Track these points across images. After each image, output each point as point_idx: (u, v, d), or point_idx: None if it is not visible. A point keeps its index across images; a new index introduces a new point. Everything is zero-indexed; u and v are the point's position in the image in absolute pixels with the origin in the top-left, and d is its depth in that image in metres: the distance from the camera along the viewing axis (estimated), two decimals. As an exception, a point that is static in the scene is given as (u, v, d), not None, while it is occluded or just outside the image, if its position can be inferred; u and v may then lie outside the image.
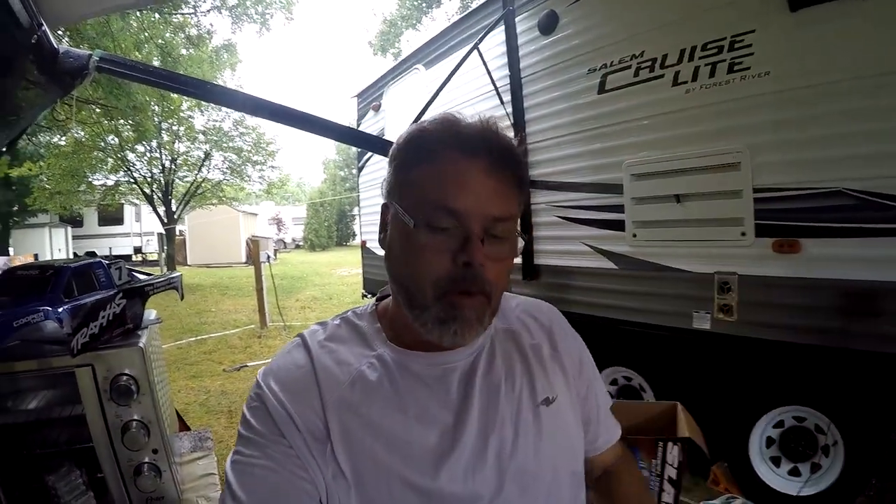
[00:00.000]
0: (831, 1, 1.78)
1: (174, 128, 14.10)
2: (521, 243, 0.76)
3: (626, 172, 2.62)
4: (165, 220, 15.15)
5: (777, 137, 2.02)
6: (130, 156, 13.78)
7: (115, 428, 1.50)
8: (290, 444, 0.69)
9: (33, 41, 1.79)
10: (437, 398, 0.74)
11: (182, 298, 2.13)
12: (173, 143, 14.54)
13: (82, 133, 11.86)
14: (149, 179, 14.68)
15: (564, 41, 2.85)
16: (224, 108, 13.53)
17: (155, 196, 15.00)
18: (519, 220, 0.75)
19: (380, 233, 0.79)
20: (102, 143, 12.47)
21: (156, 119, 12.75)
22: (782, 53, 1.94)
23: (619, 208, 2.70)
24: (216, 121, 14.94)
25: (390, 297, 0.82)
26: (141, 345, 1.54)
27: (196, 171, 15.40)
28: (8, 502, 1.45)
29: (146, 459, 1.54)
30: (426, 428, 0.72)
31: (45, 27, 1.85)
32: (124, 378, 1.49)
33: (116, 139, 12.39)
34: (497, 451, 0.73)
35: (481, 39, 3.09)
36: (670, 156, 2.41)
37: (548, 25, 2.89)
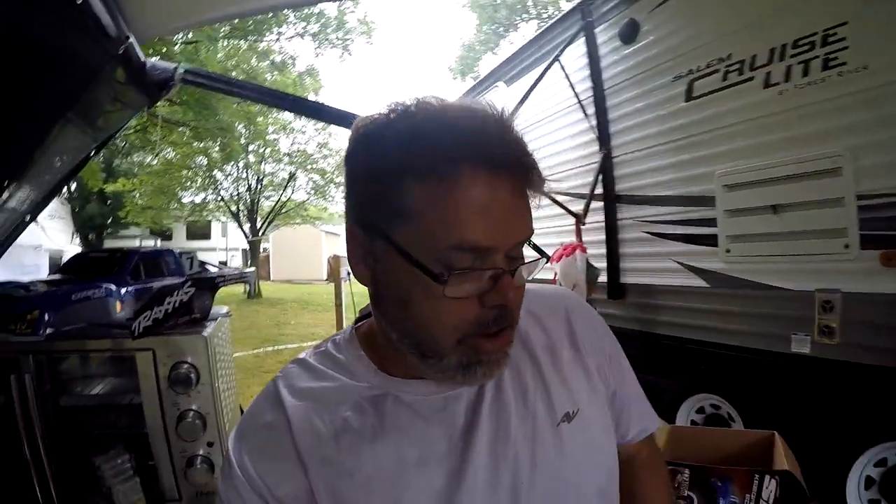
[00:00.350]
0: None
1: (260, 150, 15.46)
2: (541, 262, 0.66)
3: (718, 183, 2.57)
4: (250, 237, 16.55)
5: (880, 137, 1.92)
6: (218, 175, 15.28)
7: (170, 416, 1.59)
8: None
9: (121, 52, 2.15)
10: (438, 433, 0.66)
11: (253, 293, 2.30)
12: (259, 163, 16.03)
13: (173, 153, 13.33)
14: (235, 198, 16.25)
15: (647, 49, 2.87)
16: (307, 132, 14.62)
17: (241, 214, 16.54)
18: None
19: (354, 263, 0.65)
20: (192, 164, 13.94)
21: (242, 140, 14.05)
22: (880, 44, 1.86)
23: (710, 222, 2.64)
24: (300, 143, 16.38)
25: (372, 317, 0.71)
26: (206, 334, 1.65)
27: (281, 191, 16.83)
28: (55, 479, 1.54)
29: (200, 452, 1.61)
30: (429, 471, 0.64)
31: (132, 39, 2.21)
32: (185, 366, 1.58)
33: (205, 160, 13.77)
34: (511, 485, 0.66)
35: (561, 52, 3.20)
36: (765, 163, 2.34)
37: (629, 34, 2.93)
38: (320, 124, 15.18)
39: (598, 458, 0.73)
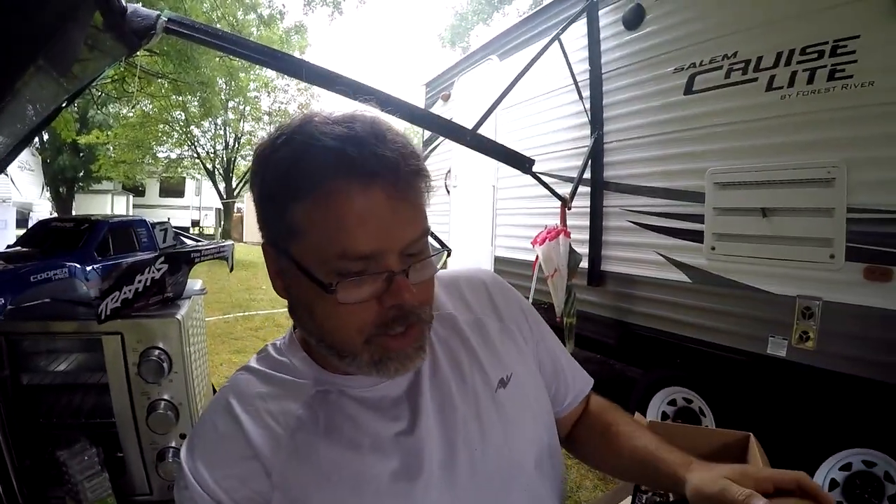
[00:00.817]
0: None
1: (240, 107, 14.89)
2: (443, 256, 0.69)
3: (710, 180, 2.57)
4: (224, 196, 16.10)
5: (878, 154, 1.93)
6: (196, 131, 14.71)
7: (140, 406, 1.48)
8: None
9: None
10: (386, 420, 0.68)
11: (232, 269, 2.17)
12: (238, 121, 15.44)
13: (150, 106, 12.70)
14: (211, 155, 15.66)
15: (650, 37, 2.81)
16: (290, 91, 14.05)
17: (216, 172, 16.02)
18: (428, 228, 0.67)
19: (272, 278, 0.70)
20: (169, 118, 13.32)
21: (222, 97, 13.46)
22: (889, 62, 1.84)
23: (698, 218, 2.65)
24: (282, 102, 15.71)
25: None
26: (179, 317, 1.52)
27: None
28: (17, 474, 1.43)
29: (172, 444, 1.51)
30: (385, 456, 0.66)
31: None
32: (156, 353, 1.46)
33: (183, 114, 13.21)
34: (469, 457, 0.69)
35: (563, 30, 3.10)
36: (760, 165, 2.34)
37: (633, 20, 2.86)
38: (303, 84, 14.72)
39: (539, 413, 0.78)
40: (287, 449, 0.65)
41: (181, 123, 13.77)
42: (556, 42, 3.18)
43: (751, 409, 2.37)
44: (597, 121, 3.22)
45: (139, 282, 1.48)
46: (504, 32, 4.09)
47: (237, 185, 16.77)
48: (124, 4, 2.41)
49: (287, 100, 15.99)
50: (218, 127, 15.42)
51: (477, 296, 0.84)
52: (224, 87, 13.25)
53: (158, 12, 2.55)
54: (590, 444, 0.89)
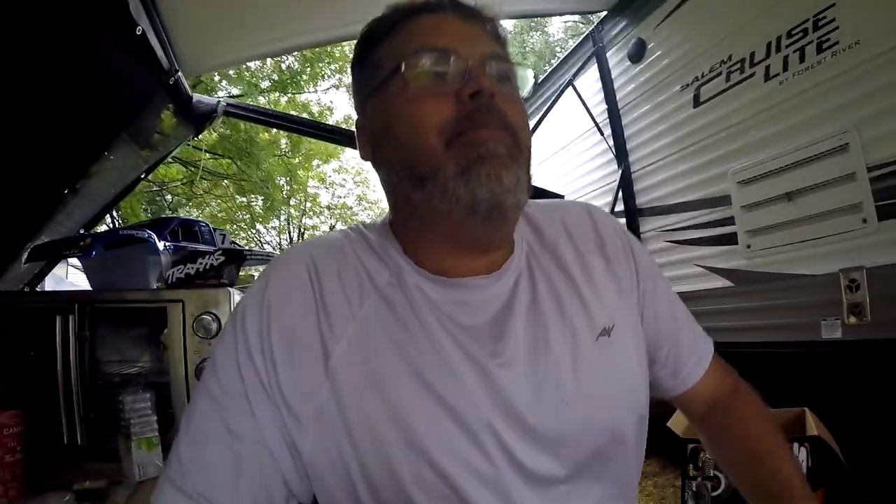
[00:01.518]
0: None
1: (301, 203, 15.90)
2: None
3: (732, 181, 2.55)
4: None
5: (880, 107, 1.89)
6: (261, 229, 15.66)
7: (191, 364, 1.69)
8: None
9: (171, 83, 2.39)
10: (467, 339, 0.61)
11: None
12: (301, 217, 16.42)
13: (217, 207, 13.84)
14: (277, 250, 16.70)
15: (655, 64, 2.96)
16: (347, 185, 15.21)
17: None
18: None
19: (361, 147, 0.70)
20: (237, 217, 14.40)
21: (284, 193, 14.40)
22: (867, 18, 1.87)
23: (729, 221, 2.60)
24: (340, 197, 16.73)
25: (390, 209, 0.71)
26: (231, 289, 1.77)
27: None
28: (82, 424, 1.69)
29: None
30: (457, 384, 0.59)
31: (181, 73, 2.46)
32: (209, 316, 1.70)
33: (248, 214, 14.27)
34: (555, 408, 0.61)
35: (575, 76, 3.32)
36: (775, 153, 2.32)
37: (637, 53, 3.03)
38: (359, 177, 15.88)
39: (637, 375, 0.68)
40: (352, 335, 0.60)
41: (247, 222, 14.90)
42: (573, 89, 3.40)
43: (819, 404, 2.15)
44: (621, 153, 3.31)
45: (201, 263, 1.78)
46: (527, 97, 4.37)
47: None
48: (190, 94, 2.90)
49: (345, 193, 17.08)
50: (281, 223, 16.54)
51: (580, 226, 0.74)
52: (284, 184, 14.35)
53: (219, 99, 3.03)
54: (729, 453, 0.80)
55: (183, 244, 1.92)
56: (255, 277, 0.69)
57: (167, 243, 1.86)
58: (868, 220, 1.97)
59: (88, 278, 2.04)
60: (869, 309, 1.96)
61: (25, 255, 2.16)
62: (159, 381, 1.73)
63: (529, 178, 0.62)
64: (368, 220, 0.75)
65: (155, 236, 1.87)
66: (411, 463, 0.56)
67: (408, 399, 0.57)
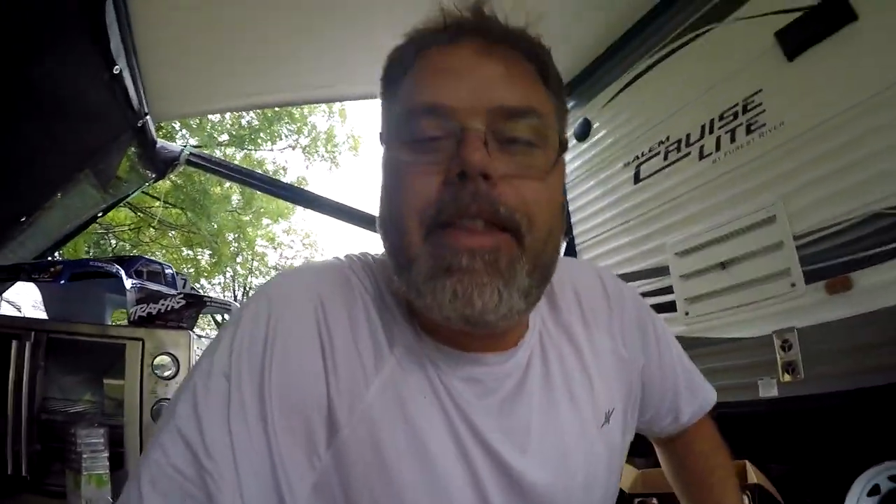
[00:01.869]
0: (823, 41, 1.99)
1: (249, 262, 15.54)
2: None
3: (671, 252, 2.71)
4: None
5: (804, 181, 2.10)
6: (206, 284, 15.16)
7: (147, 404, 1.69)
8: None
9: (139, 125, 2.36)
10: (483, 419, 0.57)
11: None
12: (247, 276, 15.95)
13: (162, 258, 13.36)
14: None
15: (599, 143, 3.19)
16: (295, 247, 15.77)
17: (224, 319, 16.11)
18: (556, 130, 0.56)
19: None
20: (181, 270, 13.91)
21: (232, 249, 14.22)
22: (791, 101, 2.12)
23: (668, 290, 2.72)
24: (287, 258, 16.61)
25: None
26: (191, 332, 1.75)
27: None
28: (27, 456, 1.58)
29: None
30: (477, 460, 0.56)
31: (149, 117, 2.43)
32: (169, 357, 1.70)
33: (193, 269, 13.85)
34: (566, 488, 0.59)
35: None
36: (709, 226, 2.50)
37: (583, 132, 3.28)
38: (308, 239, 15.88)
39: (620, 458, 0.69)
40: (366, 409, 0.52)
41: (192, 276, 14.29)
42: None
43: (761, 457, 2.18)
44: (566, 226, 3.47)
45: (162, 305, 1.81)
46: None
47: None
48: (155, 138, 2.86)
49: (293, 255, 16.85)
50: (227, 279, 15.94)
51: (591, 298, 0.72)
52: (233, 241, 13.98)
53: (183, 147, 3.01)
54: (683, 477, 0.89)
55: (146, 283, 1.92)
56: (251, 299, 0.58)
57: (133, 281, 1.84)
58: (796, 283, 2.12)
59: (46, 306, 1.95)
60: (802, 366, 2.06)
61: None
62: (111, 420, 1.70)
63: (542, 270, 0.56)
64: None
65: (123, 272, 1.85)
66: None
67: (417, 488, 0.53)
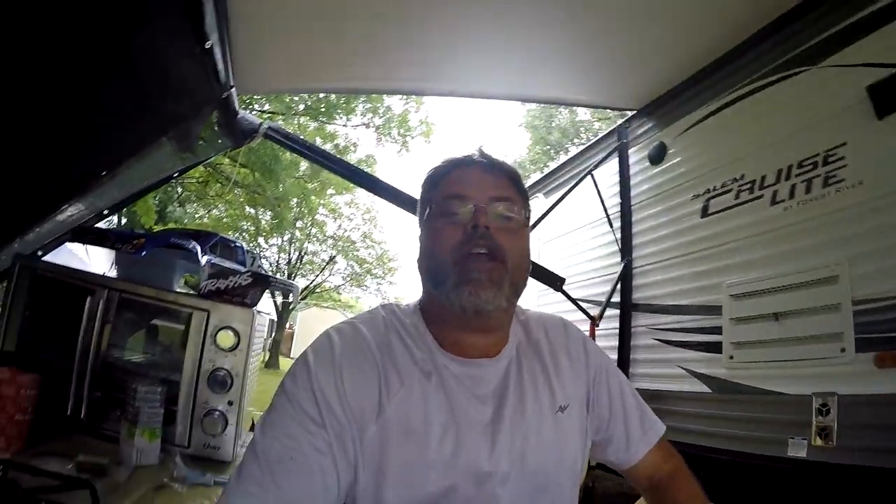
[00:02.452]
0: None
1: (308, 228, 15.88)
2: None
3: (726, 293, 2.65)
4: (280, 309, 16.57)
5: (874, 246, 2.01)
6: (262, 243, 15.56)
7: (204, 371, 1.79)
8: (330, 431, 0.80)
9: (224, 97, 2.53)
10: (480, 404, 0.89)
11: (293, 307, 2.54)
12: (304, 241, 16.35)
13: (225, 213, 13.80)
14: (274, 269, 16.42)
15: (672, 170, 3.13)
16: (355, 220, 15.37)
17: (277, 297, 16.77)
18: (526, 221, 0.95)
19: (417, 258, 0.98)
20: (241, 226, 14.31)
21: (293, 214, 14.54)
22: (874, 161, 2.02)
23: (716, 330, 2.67)
24: (347, 230, 16.81)
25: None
26: (254, 310, 1.89)
27: (318, 272, 16.93)
28: (88, 401, 1.72)
29: (219, 407, 1.79)
30: (469, 420, 0.86)
31: (233, 89, 2.60)
32: (230, 331, 1.83)
33: (253, 226, 14.21)
34: (522, 447, 0.88)
35: (595, 167, 3.50)
36: (770, 274, 2.43)
37: (657, 156, 3.22)
38: (369, 214, 15.99)
39: (576, 446, 0.95)
40: (403, 397, 0.85)
41: (251, 233, 14.81)
42: (591, 179, 3.57)
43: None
44: (626, 248, 3.44)
45: (231, 281, 1.96)
46: (548, 174, 4.59)
47: (293, 301, 17.41)
48: (237, 110, 3.06)
49: (351, 227, 17.31)
50: (283, 242, 16.42)
51: (556, 333, 1.05)
52: (295, 206, 14.39)
53: (262, 121, 3.20)
54: None
55: (220, 260, 2.08)
56: (318, 341, 0.92)
57: (208, 257, 2.02)
58: (846, 349, 2.04)
59: (118, 267, 2.15)
60: (836, 434, 2.00)
61: (71, 233, 2.25)
62: (169, 379, 1.83)
63: (516, 285, 0.90)
64: (396, 302, 1.04)
65: (199, 248, 2.04)
66: (437, 478, 0.82)
67: (433, 445, 0.83)
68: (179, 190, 12.88)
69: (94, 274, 2.06)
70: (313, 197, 14.41)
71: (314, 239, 17.06)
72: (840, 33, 2.16)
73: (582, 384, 1.00)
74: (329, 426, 0.79)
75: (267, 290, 2.35)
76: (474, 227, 0.87)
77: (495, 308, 0.86)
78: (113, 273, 2.27)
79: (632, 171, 3.49)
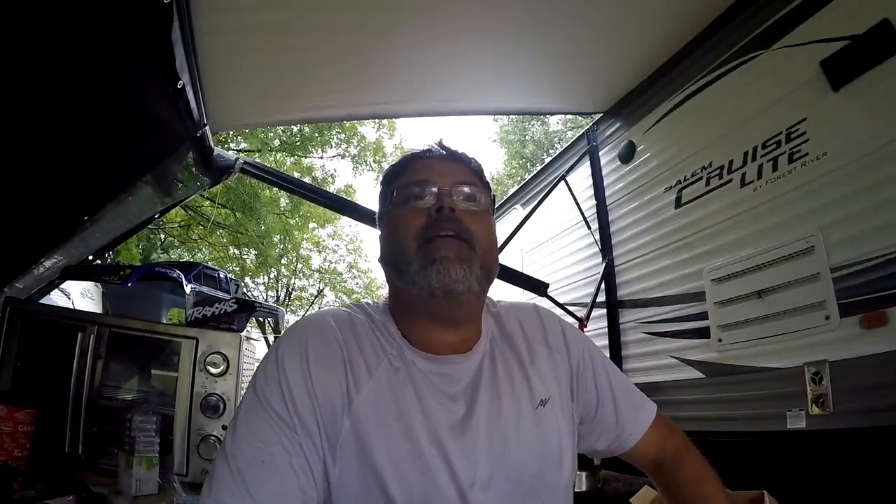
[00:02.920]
0: (869, 70, 1.96)
1: (293, 264, 15.83)
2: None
3: (707, 279, 2.69)
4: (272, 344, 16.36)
5: (845, 213, 2.07)
6: (249, 283, 15.49)
7: (196, 397, 1.81)
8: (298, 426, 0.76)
9: (198, 135, 2.55)
10: (447, 401, 0.84)
11: (279, 332, 2.55)
12: (291, 278, 16.25)
13: (209, 255, 13.73)
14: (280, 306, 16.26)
15: (642, 166, 3.21)
16: (339, 251, 15.56)
17: (267, 324, 16.53)
18: (488, 207, 0.93)
19: (379, 256, 0.95)
20: (226, 268, 14.24)
21: (277, 251, 14.57)
22: (835, 132, 2.10)
23: (703, 315, 2.70)
24: (332, 262, 16.75)
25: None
26: (241, 334, 1.89)
27: (308, 307, 16.86)
28: (84, 436, 1.71)
29: (214, 433, 1.78)
30: (440, 421, 0.81)
31: (207, 127, 2.62)
32: (219, 356, 1.83)
33: (238, 267, 14.19)
34: (501, 448, 0.83)
35: (568, 172, 3.57)
36: (747, 254, 2.48)
37: (627, 154, 3.30)
38: (353, 244, 16.04)
39: (562, 439, 0.91)
40: (371, 389, 0.81)
41: (236, 274, 14.67)
42: (565, 184, 3.63)
43: (780, 487, 2.13)
44: (606, 247, 3.48)
45: (217, 308, 1.98)
46: (524, 184, 4.65)
47: (281, 326, 17.14)
48: (213, 147, 3.07)
49: (336, 259, 17.21)
50: (271, 280, 16.31)
51: (530, 322, 1.01)
52: (279, 243, 14.33)
53: (237, 156, 3.22)
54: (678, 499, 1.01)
55: (204, 288, 2.09)
56: (286, 333, 0.90)
57: (192, 286, 2.03)
58: (831, 316, 2.08)
59: (109, 302, 2.16)
60: (832, 400, 2.02)
61: (59, 272, 2.24)
62: (162, 409, 1.85)
63: (487, 270, 0.86)
64: (367, 300, 1.01)
65: (184, 277, 2.04)
66: (402, 485, 0.77)
67: (400, 443, 0.78)
68: (162, 236, 12.81)
69: (83, 311, 2.05)
70: (296, 232, 14.42)
71: (300, 274, 17.06)
72: (789, 14, 2.25)
73: (564, 373, 0.96)
74: (298, 424, 0.75)
75: (257, 323, 2.35)
76: (439, 209, 0.83)
77: (466, 290, 0.81)
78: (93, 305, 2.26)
79: (604, 172, 3.56)
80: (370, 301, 0.97)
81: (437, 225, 0.82)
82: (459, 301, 0.82)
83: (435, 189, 0.86)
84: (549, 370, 0.94)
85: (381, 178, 0.98)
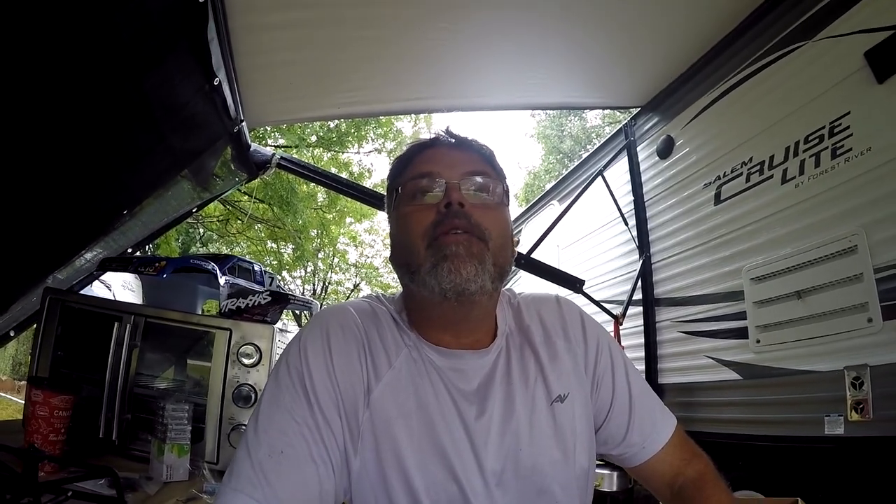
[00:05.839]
0: None
1: (330, 258, 16.03)
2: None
3: (746, 277, 2.63)
4: None
5: (889, 211, 1.99)
6: (287, 276, 15.72)
7: (229, 387, 1.87)
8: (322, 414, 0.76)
9: (235, 131, 2.65)
10: (463, 399, 0.82)
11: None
12: (327, 272, 16.46)
13: (247, 249, 14.01)
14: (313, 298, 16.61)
15: (681, 161, 3.15)
16: (376, 246, 15.97)
17: (303, 317, 16.86)
18: (503, 197, 0.87)
19: (391, 255, 0.91)
20: (264, 262, 14.59)
21: (314, 245, 14.73)
22: (880, 126, 2.02)
23: (741, 315, 2.65)
24: (368, 256, 16.84)
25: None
26: (274, 326, 1.96)
27: (345, 301, 17.11)
28: (119, 423, 1.79)
29: (245, 421, 1.83)
30: (455, 423, 0.80)
31: (244, 123, 2.73)
32: (252, 347, 1.89)
33: (276, 260, 14.47)
34: (513, 446, 0.81)
35: (605, 167, 3.54)
36: (787, 253, 2.41)
37: (665, 150, 3.25)
38: (388, 240, 16.10)
39: (582, 437, 0.87)
40: (389, 380, 0.81)
41: (274, 268, 15.04)
42: (602, 179, 3.61)
43: (817, 496, 2.08)
44: (644, 244, 3.44)
45: (250, 300, 2.02)
46: (561, 179, 4.63)
47: None
48: (250, 143, 3.19)
49: (373, 254, 17.37)
50: (308, 274, 16.59)
51: (550, 314, 0.96)
52: (316, 237, 14.55)
53: (274, 152, 3.33)
54: None
55: (239, 280, 2.17)
56: (308, 322, 0.90)
57: (227, 278, 2.11)
58: (873, 319, 2.01)
59: (145, 293, 2.26)
60: (872, 406, 1.96)
61: (98, 264, 2.37)
62: (194, 398, 1.91)
63: (500, 267, 0.81)
64: (383, 293, 0.99)
65: (218, 269, 2.12)
66: (422, 474, 0.77)
67: (421, 432, 0.79)
68: (201, 230, 13.19)
69: (119, 301, 2.16)
70: (332, 227, 14.63)
71: (337, 268, 17.22)
72: (831, 4, 2.18)
73: (583, 366, 0.92)
74: (320, 414, 0.75)
75: (293, 316, 2.43)
76: (447, 205, 0.78)
77: (479, 289, 0.77)
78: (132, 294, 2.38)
79: (642, 168, 3.51)
80: (387, 294, 0.96)
81: (446, 222, 0.78)
82: (472, 301, 0.79)
83: (443, 181, 0.81)
84: (569, 365, 0.90)
85: (388, 173, 0.94)
